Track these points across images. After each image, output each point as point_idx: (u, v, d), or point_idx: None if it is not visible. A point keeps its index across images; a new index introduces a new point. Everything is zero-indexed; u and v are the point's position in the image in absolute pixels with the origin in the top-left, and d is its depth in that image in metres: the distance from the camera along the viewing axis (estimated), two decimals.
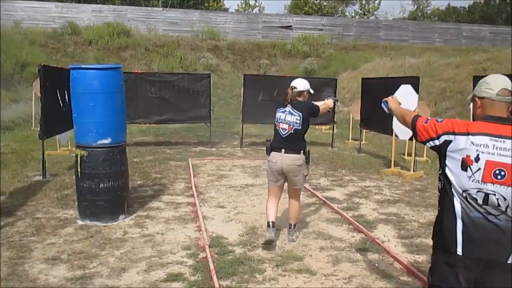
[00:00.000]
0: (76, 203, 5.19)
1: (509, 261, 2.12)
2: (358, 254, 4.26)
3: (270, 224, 4.34)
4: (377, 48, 25.67)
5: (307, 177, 4.61)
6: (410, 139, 8.04)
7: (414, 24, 30.21)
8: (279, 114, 4.41)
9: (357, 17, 35.52)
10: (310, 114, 4.39)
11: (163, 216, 5.31)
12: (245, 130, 12.60)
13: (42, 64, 6.94)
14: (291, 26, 26.83)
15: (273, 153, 4.36)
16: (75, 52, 20.00)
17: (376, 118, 9.12)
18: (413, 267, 3.94)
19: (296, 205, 4.56)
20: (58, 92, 7.32)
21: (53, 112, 7.06)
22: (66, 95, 7.65)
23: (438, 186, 2.30)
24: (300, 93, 4.42)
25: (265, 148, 4.53)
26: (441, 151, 2.22)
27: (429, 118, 2.34)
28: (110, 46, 20.79)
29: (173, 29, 23.93)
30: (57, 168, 7.68)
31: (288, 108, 4.36)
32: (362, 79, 10.39)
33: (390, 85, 8.41)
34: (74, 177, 6.88)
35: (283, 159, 4.28)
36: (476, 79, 7.19)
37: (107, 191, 4.92)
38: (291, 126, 4.29)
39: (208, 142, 10.81)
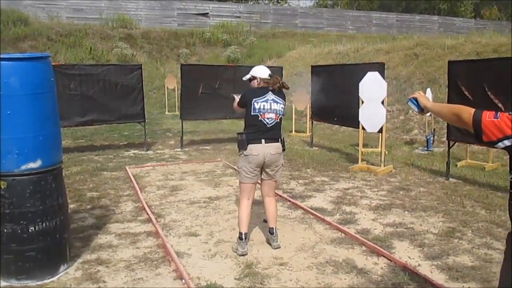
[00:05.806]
0: None
1: None
2: None
3: (243, 236, 4.01)
4: (295, 36, 25.39)
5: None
6: (379, 131, 7.37)
7: (328, 12, 30.58)
8: (262, 104, 3.99)
9: (271, 4, 35.08)
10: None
11: (121, 257, 3.92)
12: (176, 126, 11.40)
13: None
14: (207, 13, 25.57)
15: (251, 146, 3.94)
16: None
17: (337, 109, 8.35)
18: None
19: (275, 204, 4.24)
20: None
21: None
22: None
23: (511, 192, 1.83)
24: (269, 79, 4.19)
25: (236, 143, 4.11)
26: None
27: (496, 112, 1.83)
28: (5, 36, 17.83)
29: (79, 17, 21.40)
30: None
31: (271, 96, 4.05)
32: (312, 66, 9.55)
33: (354, 72, 7.62)
34: None
35: (266, 149, 3.96)
36: (452, 64, 6.73)
37: (40, 235, 3.41)
38: (278, 115, 4.05)
39: (141, 144, 9.29)
